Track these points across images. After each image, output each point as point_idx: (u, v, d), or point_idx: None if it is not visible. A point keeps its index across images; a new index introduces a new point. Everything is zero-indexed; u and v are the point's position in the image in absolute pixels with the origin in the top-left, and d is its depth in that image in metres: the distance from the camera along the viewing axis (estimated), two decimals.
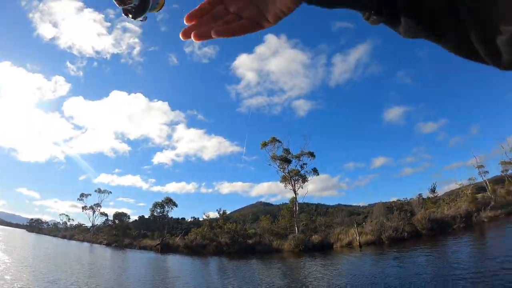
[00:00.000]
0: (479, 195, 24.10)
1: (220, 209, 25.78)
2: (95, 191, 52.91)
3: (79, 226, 64.09)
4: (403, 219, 20.25)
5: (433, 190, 22.89)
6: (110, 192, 51.75)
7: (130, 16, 0.61)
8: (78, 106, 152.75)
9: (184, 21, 0.42)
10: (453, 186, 26.44)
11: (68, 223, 66.91)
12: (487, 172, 32.62)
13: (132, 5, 0.57)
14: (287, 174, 24.23)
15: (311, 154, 23.87)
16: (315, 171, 23.93)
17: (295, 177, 23.87)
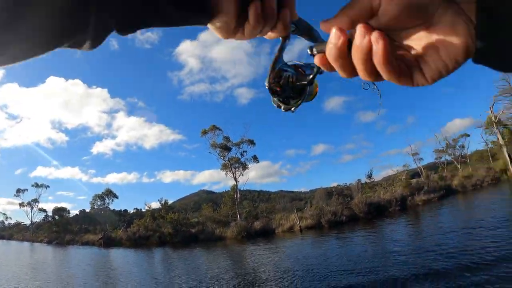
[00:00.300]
0: (413, 180, 26.35)
1: (162, 198, 24.92)
2: (32, 186, 48.12)
3: (18, 224, 59.29)
4: (341, 203, 21.28)
5: (369, 176, 24.49)
6: (48, 186, 47.39)
7: (282, 108, 0.57)
8: (12, 93, 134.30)
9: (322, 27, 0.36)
10: (390, 171, 28.39)
11: (6, 222, 61.61)
12: (421, 159, 36.16)
13: (286, 100, 0.54)
14: (228, 162, 23.96)
15: (251, 142, 23.83)
16: (255, 159, 24.07)
17: (235, 165, 23.73)
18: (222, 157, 23.74)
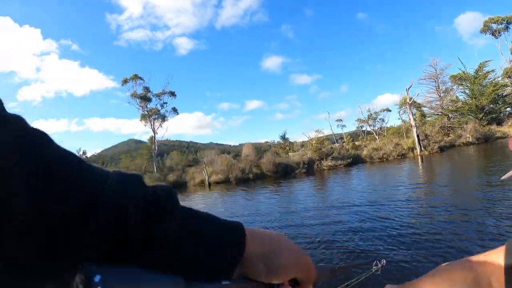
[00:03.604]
0: (327, 145, 28.01)
1: (80, 149, 24.10)
2: None
3: None
4: (250, 161, 22.19)
5: (283, 137, 25.77)
6: None
7: None
8: None
9: None
10: (313, 134, 29.64)
11: None
12: (344, 126, 38.99)
13: None
14: (147, 113, 23.67)
15: (172, 94, 23.62)
16: (175, 110, 24.06)
17: (154, 116, 23.58)
18: (141, 108, 23.45)
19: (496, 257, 0.40)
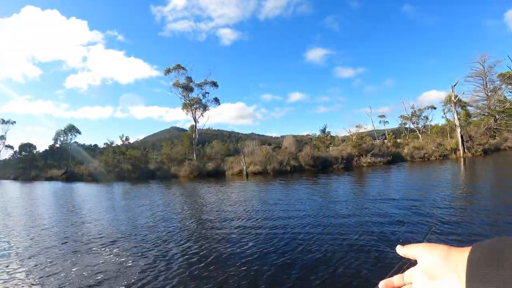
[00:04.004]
0: (368, 141, 27.18)
1: (123, 135, 25.03)
2: None
3: None
4: (289, 153, 22.02)
5: (323, 131, 25.28)
6: (14, 122, 46.34)
7: None
8: None
9: None
10: (354, 129, 28.89)
11: None
12: (387, 122, 37.61)
13: None
14: (188, 102, 24.06)
15: (214, 84, 23.89)
16: (217, 101, 24.32)
17: (196, 105, 23.93)
18: (183, 97, 23.93)
19: None
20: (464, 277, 0.36)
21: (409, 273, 0.49)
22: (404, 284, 0.50)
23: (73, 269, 4.78)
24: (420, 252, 0.43)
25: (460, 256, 0.38)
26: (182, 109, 24.04)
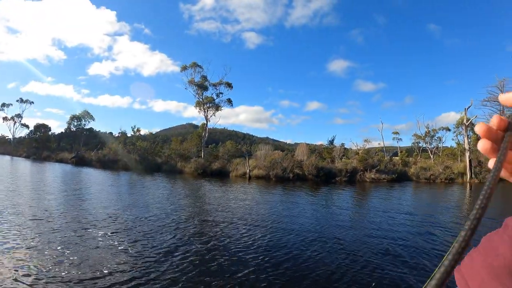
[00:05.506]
0: (381, 156, 27.03)
1: (135, 126, 25.68)
2: (17, 101, 48.71)
3: (1, 138, 60.69)
4: (294, 161, 22.20)
5: (331, 142, 25.37)
6: (32, 102, 48.11)
7: None
8: (14, 6, 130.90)
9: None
10: (361, 144, 28.77)
11: None
12: (400, 139, 37.40)
13: None
14: (202, 101, 24.49)
15: (229, 85, 24.29)
16: (230, 102, 24.66)
17: (209, 104, 24.35)
18: (197, 95, 24.42)
19: None
20: None
21: None
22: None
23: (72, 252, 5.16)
24: None
25: None
26: (195, 106, 24.55)
